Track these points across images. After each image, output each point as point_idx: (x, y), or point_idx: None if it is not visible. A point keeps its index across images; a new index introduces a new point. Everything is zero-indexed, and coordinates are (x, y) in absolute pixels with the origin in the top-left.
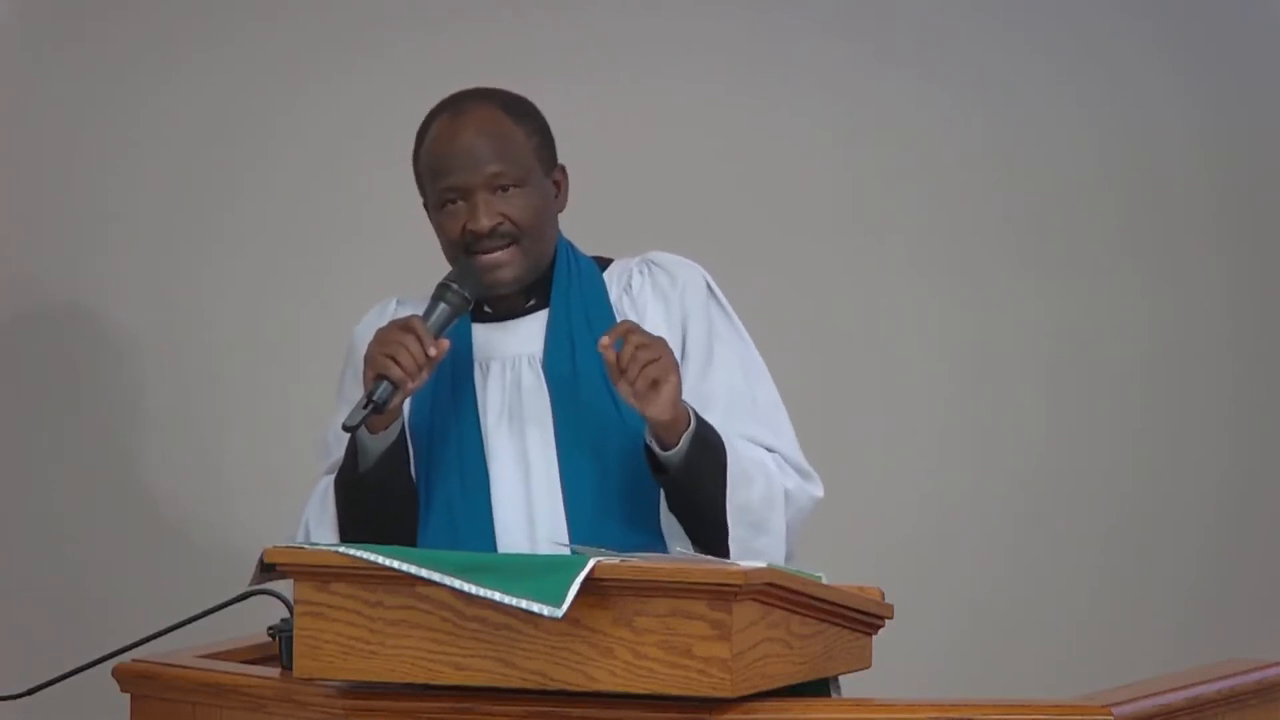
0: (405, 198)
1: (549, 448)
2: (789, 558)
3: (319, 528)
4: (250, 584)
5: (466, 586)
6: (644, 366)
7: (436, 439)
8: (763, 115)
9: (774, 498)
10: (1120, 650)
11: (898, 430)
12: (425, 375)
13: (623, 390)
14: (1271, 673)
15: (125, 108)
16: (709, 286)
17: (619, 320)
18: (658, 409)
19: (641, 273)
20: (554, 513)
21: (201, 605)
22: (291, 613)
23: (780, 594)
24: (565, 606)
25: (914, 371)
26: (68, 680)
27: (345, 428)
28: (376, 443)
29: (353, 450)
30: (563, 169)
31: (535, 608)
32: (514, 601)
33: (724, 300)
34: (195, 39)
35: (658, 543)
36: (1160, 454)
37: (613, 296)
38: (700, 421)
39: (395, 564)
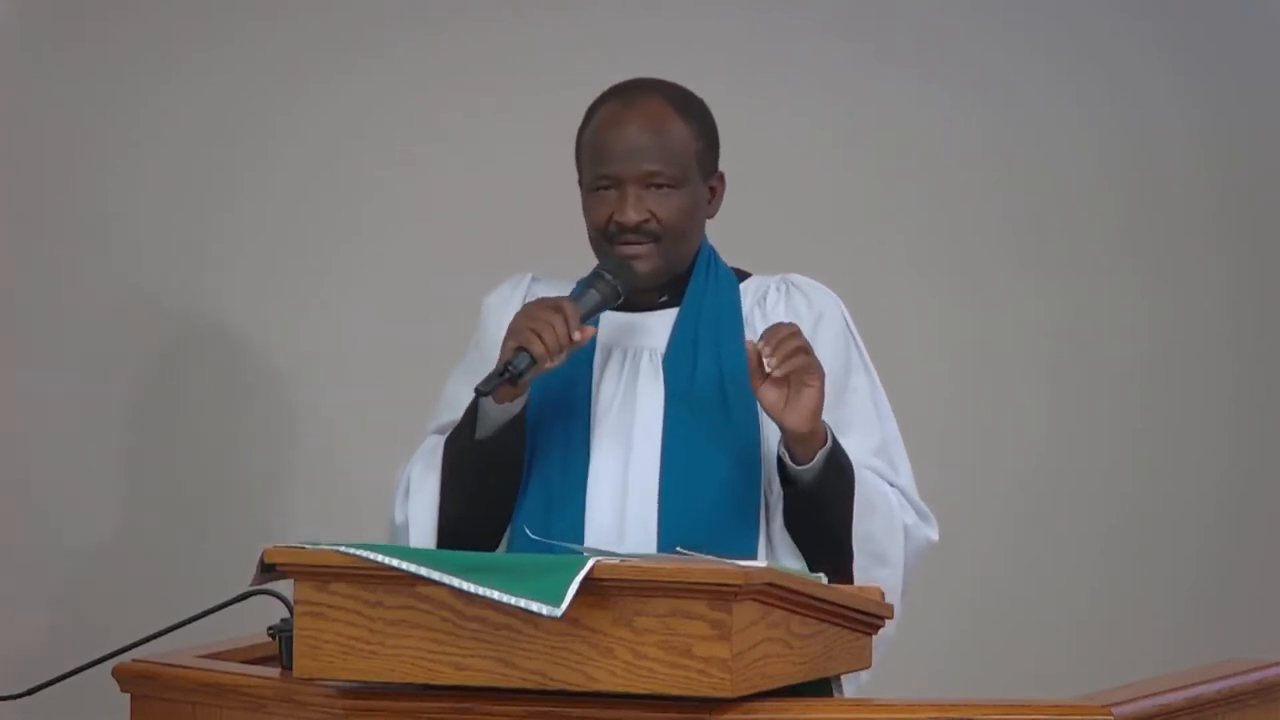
0: (405, 198)
1: (654, 444)
2: (904, 594)
3: (421, 484)
4: (250, 584)
5: (466, 586)
6: (791, 355)
7: (545, 417)
8: (763, 115)
9: (895, 530)
10: (1120, 650)
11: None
12: (563, 358)
13: (763, 396)
14: (1271, 673)
15: (125, 108)
16: (845, 319)
17: (747, 330)
18: (798, 417)
19: (778, 289)
20: (647, 510)
21: (201, 605)
22: (291, 613)
23: (780, 594)
24: (564, 606)
25: (914, 371)
26: (68, 680)
27: (477, 391)
28: (499, 413)
29: (471, 416)
30: (721, 176)
31: (534, 607)
32: (513, 601)
33: (856, 332)
34: (195, 39)
35: (752, 554)
36: (1160, 454)
37: (745, 307)
38: (836, 442)
39: (395, 563)
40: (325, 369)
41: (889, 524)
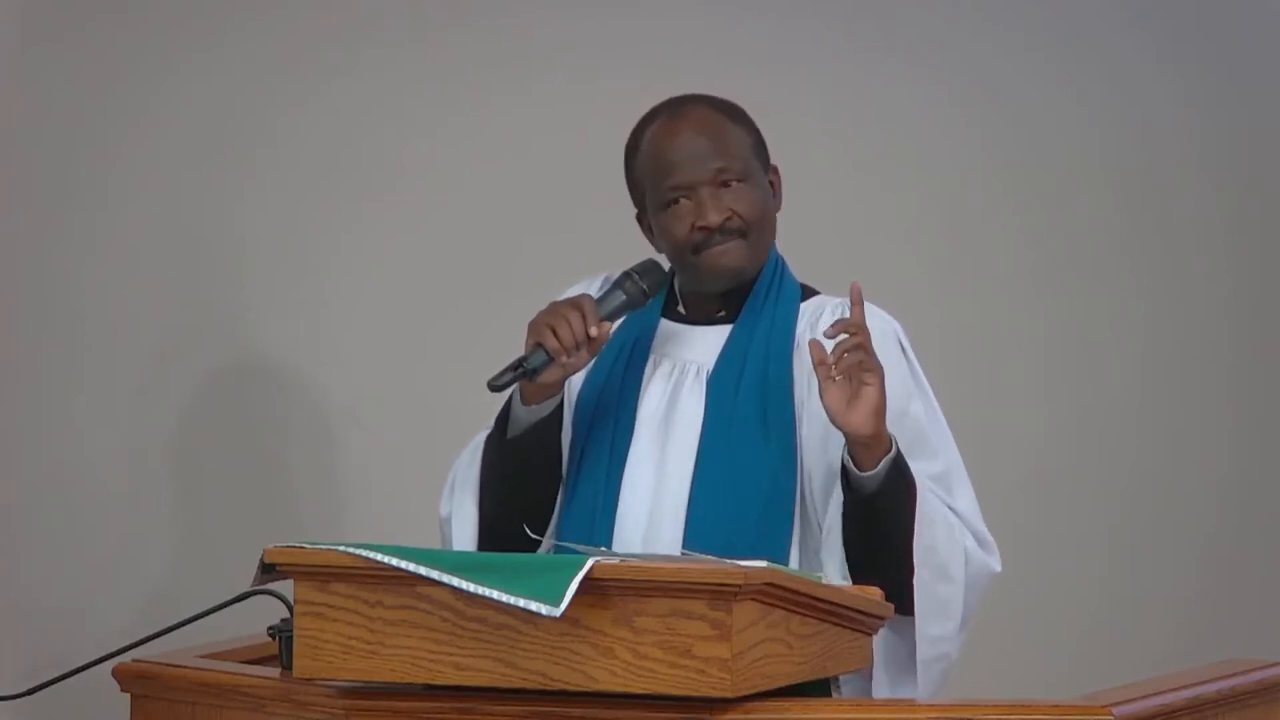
0: (405, 198)
1: (687, 463)
2: (966, 621)
3: (466, 479)
4: (251, 584)
5: (466, 585)
6: (847, 351)
7: (597, 423)
8: (763, 115)
9: (956, 548)
10: (1120, 650)
11: None
12: (585, 356)
13: (826, 397)
14: (1271, 673)
15: (125, 108)
16: (900, 342)
17: (794, 353)
18: (859, 418)
19: (834, 314)
20: (674, 528)
21: (201, 605)
22: (291, 613)
23: (780, 594)
24: (564, 606)
25: None
26: (68, 680)
27: (489, 385)
28: (528, 414)
29: (504, 414)
30: (776, 170)
31: (534, 607)
32: (513, 600)
33: (912, 356)
34: (195, 39)
35: None
36: (1160, 454)
37: (799, 328)
38: (900, 451)
39: (395, 563)
40: (325, 368)
41: (950, 540)
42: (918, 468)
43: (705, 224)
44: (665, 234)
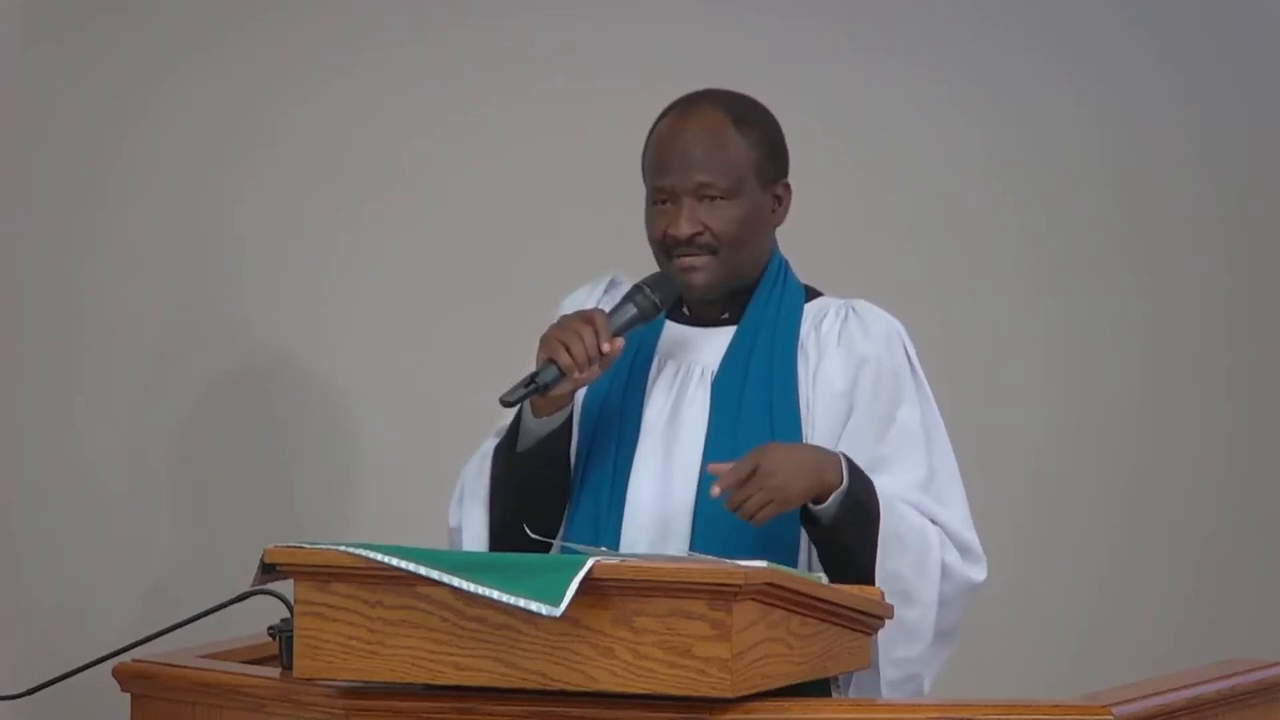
0: (405, 198)
1: (693, 465)
2: (947, 635)
3: (474, 488)
4: (251, 584)
5: (465, 585)
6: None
7: (601, 428)
8: None
9: (928, 568)
10: (1120, 650)
11: None
12: (596, 370)
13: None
14: (1271, 673)
15: (125, 108)
16: (904, 346)
17: (798, 354)
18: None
19: (837, 315)
20: (681, 531)
21: (202, 605)
22: (291, 613)
23: (780, 594)
24: (564, 606)
25: None
26: (68, 680)
27: (502, 402)
28: (539, 426)
29: (515, 426)
30: (786, 185)
31: (534, 607)
32: (512, 600)
33: (915, 360)
34: (195, 39)
35: None
36: (1160, 454)
37: (803, 330)
38: (855, 481)
39: (395, 563)
40: (325, 368)
41: (921, 563)
42: (901, 478)
43: (675, 234)
44: (647, 227)
